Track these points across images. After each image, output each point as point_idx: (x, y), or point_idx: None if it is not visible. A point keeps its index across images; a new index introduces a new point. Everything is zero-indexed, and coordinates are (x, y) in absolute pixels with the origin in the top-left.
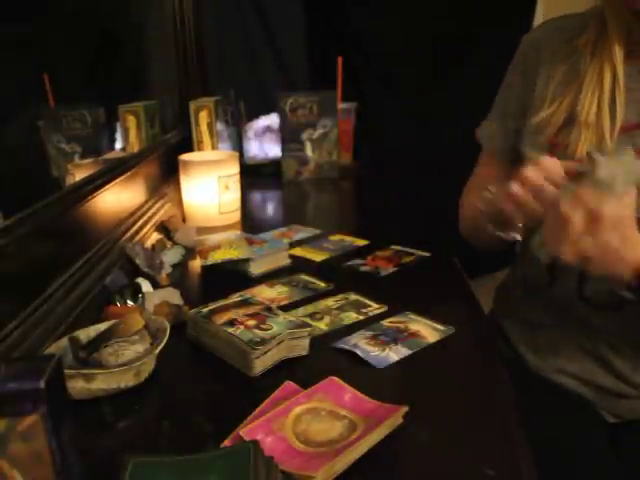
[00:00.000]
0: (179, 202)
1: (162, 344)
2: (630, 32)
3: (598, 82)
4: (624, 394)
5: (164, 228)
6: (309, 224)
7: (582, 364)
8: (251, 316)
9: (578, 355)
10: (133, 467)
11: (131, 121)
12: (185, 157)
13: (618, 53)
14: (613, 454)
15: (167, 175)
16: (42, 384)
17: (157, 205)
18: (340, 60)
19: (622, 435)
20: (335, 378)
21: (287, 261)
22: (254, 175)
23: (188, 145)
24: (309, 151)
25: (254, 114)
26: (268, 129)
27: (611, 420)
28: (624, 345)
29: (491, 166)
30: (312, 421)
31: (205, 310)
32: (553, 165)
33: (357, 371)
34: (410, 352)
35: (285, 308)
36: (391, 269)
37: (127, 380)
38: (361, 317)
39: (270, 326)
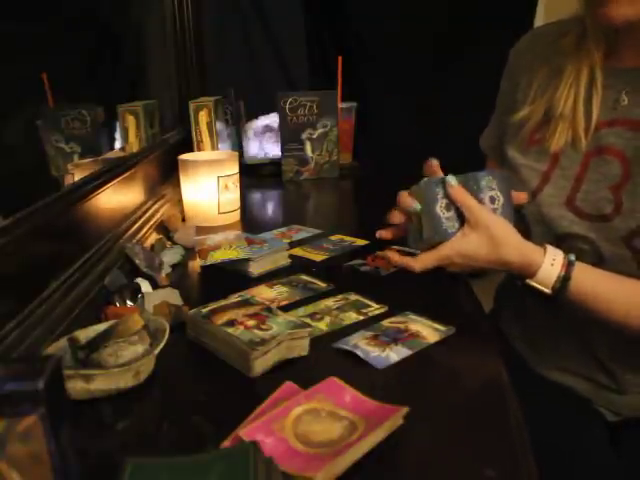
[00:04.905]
0: (179, 202)
1: (161, 344)
2: (607, 36)
3: (575, 79)
4: (621, 391)
5: (163, 228)
6: (309, 224)
7: (580, 361)
8: (251, 316)
9: (577, 353)
10: (132, 468)
11: (130, 121)
12: (185, 157)
13: (596, 54)
14: (613, 453)
15: (167, 175)
16: (41, 385)
17: (156, 205)
18: (340, 60)
19: (622, 434)
20: (335, 378)
21: (287, 261)
22: (254, 175)
23: (188, 145)
24: (309, 151)
25: (254, 114)
26: (268, 129)
27: (611, 418)
28: (617, 344)
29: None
30: (312, 422)
31: (205, 310)
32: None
33: (357, 371)
34: (410, 352)
35: (285, 308)
36: (391, 269)
37: (126, 381)
38: (361, 317)
39: (270, 326)
